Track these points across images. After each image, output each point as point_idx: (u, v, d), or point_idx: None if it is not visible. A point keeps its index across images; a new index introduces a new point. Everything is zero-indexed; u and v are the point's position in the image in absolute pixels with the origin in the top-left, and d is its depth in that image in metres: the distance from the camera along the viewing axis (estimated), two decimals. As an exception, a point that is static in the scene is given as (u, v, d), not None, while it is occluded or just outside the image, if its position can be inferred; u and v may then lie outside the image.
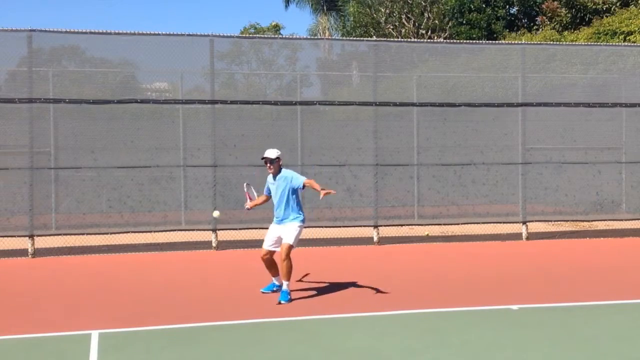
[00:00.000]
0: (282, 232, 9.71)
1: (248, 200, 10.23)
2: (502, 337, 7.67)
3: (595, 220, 16.47)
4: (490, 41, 27.72)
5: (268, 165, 9.77)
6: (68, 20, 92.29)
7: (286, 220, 9.72)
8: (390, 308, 8.97)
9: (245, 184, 10.37)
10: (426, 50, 16.69)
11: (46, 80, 13.96)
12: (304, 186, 9.71)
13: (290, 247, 9.57)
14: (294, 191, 9.74)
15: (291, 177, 9.73)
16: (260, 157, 9.87)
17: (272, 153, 9.76)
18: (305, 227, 14.63)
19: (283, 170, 9.81)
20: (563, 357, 6.93)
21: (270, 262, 9.90)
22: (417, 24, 31.46)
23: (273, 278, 10.03)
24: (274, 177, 9.78)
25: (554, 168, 15.82)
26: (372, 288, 10.21)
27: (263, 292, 9.98)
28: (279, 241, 9.71)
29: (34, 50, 13.63)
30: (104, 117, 14.27)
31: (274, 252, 9.80)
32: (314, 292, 10.08)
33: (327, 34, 41.95)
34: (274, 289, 9.96)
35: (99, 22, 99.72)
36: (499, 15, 32.46)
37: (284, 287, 9.55)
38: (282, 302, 9.39)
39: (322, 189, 9.46)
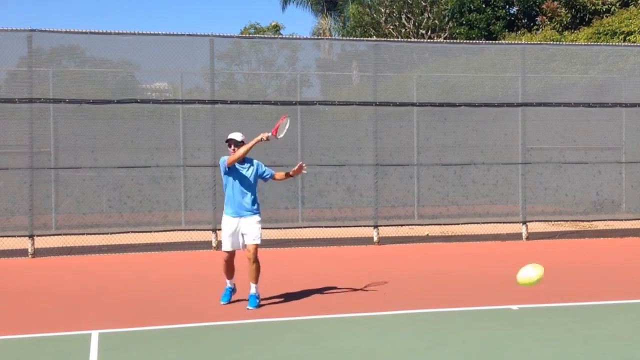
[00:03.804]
0: (244, 228, 8.90)
1: (273, 132, 8.93)
2: (502, 337, 7.66)
3: (595, 220, 16.46)
4: (490, 41, 27.70)
5: (233, 148, 8.89)
6: (68, 21, 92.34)
7: (247, 213, 8.91)
8: (390, 308, 8.96)
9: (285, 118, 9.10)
10: (426, 50, 16.70)
11: (46, 80, 13.97)
12: (272, 178, 9.13)
13: (257, 247, 8.94)
14: (256, 180, 9.04)
15: (257, 163, 9.05)
16: (225, 140, 9.07)
17: (238, 136, 8.99)
18: (305, 227, 14.88)
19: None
20: (563, 357, 6.93)
21: (230, 265, 9.10)
22: (417, 24, 31.46)
23: (228, 281, 9.21)
24: (241, 163, 8.95)
25: (554, 168, 15.82)
26: (372, 288, 10.21)
27: (224, 304, 9.08)
28: (240, 240, 8.94)
29: (34, 50, 13.62)
30: (104, 117, 14.28)
31: (234, 253, 9.06)
32: (314, 292, 10.08)
33: (327, 34, 41.94)
34: (232, 293, 9.22)
35: (99, 22, 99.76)
36: (498, 15, 32.43)
37: (253, 290, 8.93)
38: (251, 308, 8.80)
39: (292, 171, 9.07)
